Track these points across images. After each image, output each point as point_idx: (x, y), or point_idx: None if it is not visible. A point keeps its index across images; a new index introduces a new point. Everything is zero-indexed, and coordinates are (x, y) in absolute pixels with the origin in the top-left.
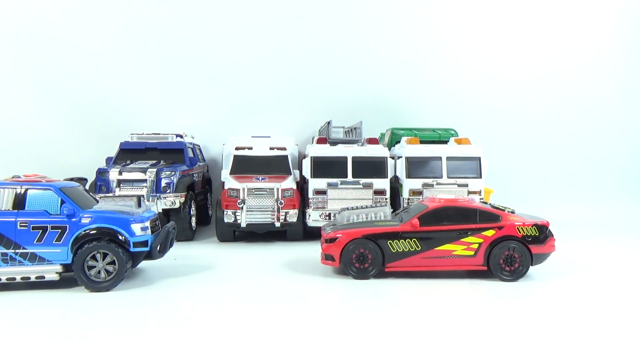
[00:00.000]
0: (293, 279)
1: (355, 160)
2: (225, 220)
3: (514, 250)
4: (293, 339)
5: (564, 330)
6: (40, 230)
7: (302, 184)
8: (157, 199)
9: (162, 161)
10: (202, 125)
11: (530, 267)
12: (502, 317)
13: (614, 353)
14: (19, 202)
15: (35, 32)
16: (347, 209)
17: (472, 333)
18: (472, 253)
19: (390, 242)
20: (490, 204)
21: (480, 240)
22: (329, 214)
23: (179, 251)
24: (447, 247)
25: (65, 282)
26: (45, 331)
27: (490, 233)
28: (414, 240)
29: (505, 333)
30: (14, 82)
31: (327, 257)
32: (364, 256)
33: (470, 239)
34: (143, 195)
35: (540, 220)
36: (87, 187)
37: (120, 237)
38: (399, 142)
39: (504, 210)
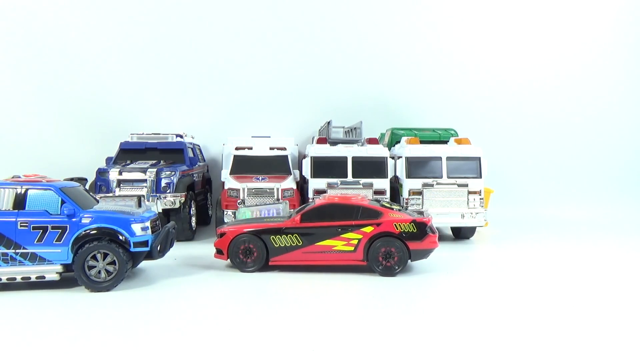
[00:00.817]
0: (293, 279)
1: (355, 160)
2: (225, 220)
3: (391, 246)
4: (293, 339)
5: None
6: (41, 230)
7: (302, 184)
8: (157, 199)
9: (162, 161)
10: (202, 125)
11: (410, 261)
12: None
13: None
14: (20, 202)
15: (35, 33)
16: (246, 206)
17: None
18: (352, 248)
19: (273, 238)
20: (381, 202)
21: (360, 237)
22: None
23: (179, 251)
24: (327, 242)
25: (65, 282)
26: (45, 331)
27: (369, 229)
28: (295, 236)
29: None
30: (14, 82)
31: (218, 251)
32: (249, 250)
33: (350, 235)
34: (143, 195)
35: (420, 217)
36: (87, 187)
37: (120, 237)
38: (399, 142)
39: (391, 208)
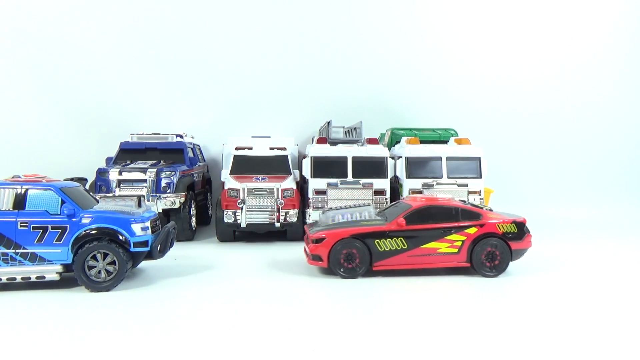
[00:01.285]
0: (293, 279)
1: (355, 160)
2: (225, 220)
3: (495, 247)
4: (293, 339)
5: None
6: (41, 230)
7: (302, 184)
8: (157, 199)
9: (162, 161)
10: (202, 125)
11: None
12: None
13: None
14: (20, 202)
15: (35, 33)
16: (331, 208)
17: (464, 329)
18: (456, 250)
19: (377, 241)
20: (469, 202)
21: (464, 238)
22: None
23: (179, 251)
24: (432, 245)
25: (65, 282)
26: (45, 331)
27: (472, 230)
28: (400, 239)
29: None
30: (14, 82)
31: (314, 258)
32: (351, 256)
33: (453, 236)
34: (143, 195)
35: (518, 217)
36: (87, 187)
37: (120, 237)
38: (399, 142)
39: (482, 208)
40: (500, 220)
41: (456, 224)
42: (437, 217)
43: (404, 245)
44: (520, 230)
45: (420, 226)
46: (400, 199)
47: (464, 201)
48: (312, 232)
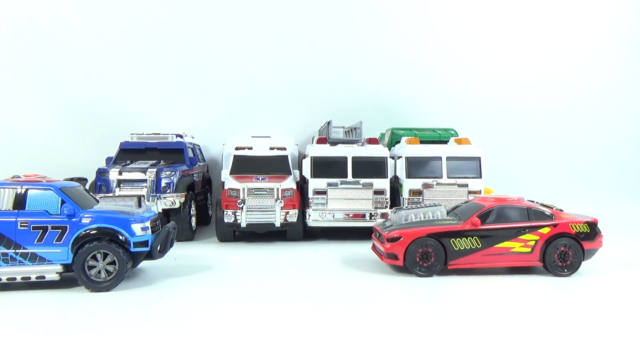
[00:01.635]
0: (293, 279)
1: (355, 160)
2: (225, 220)
3: (568, 247)
4: (293, 339)
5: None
6: (41, 230)
7: (302, 184)
8: (157, 199)
9: (162, 161)
10: (202, 125)
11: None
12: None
13: None
14: (20, 202)
15: (35, 32)
16: (402, 208)
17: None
18: (529, 250)
19: (453, 241)
20: (537, 202)
21: (537, 238)
22: (330, 214)
23: (179, 251)
24: (506, 244)
25: (65, 282)
26: (45, 331)
27: (545, 230)
28: (475, 238)
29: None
30: (14, 82)
31: (389, 256)
32: (427, 254)
33: (527, 236)
34: (143, 195)
35: (590, 218)
36: (87, 187)
37: (120, 237)
38: (399, 142)
39: (552, 208)
40: (573, 221)
41: (529, 224)
42: (510, 217)
43: (479, 245)
44: (592, 231)
45: (495, 226)
46: (469, 199)
47: (533, 201)
48: (386, 231)
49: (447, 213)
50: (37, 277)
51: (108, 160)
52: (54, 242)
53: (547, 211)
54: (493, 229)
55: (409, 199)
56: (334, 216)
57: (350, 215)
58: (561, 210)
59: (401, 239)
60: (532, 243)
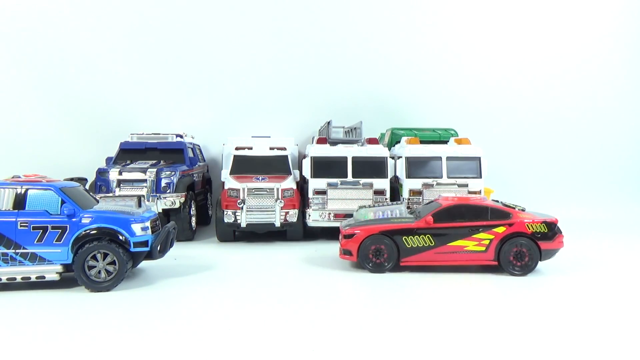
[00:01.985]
0: (293, 279)
1: (355, 160)
2: (225, 220)
3: (523, 247)
4: (293, 339)
5: (566, 324)
6: (41, 230)
7: (302, 184)
8: (157, 199)
9: (162, 161)
10: (202, 125)
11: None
12: (510, 310)
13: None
14: (20, 202)
15: (35, 33)
16: (365, 206)
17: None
18: (483, 249)
19: (405, 238)
20: (501, 202)
21: (492, 237)
22: (329, 214)
23: (179, 251)
24: (459, 242)
25: (65, 282)
26: (45, 331)
27: (501, 230)
28: (428, 236)
29: (511, 326)
30: (14, 82)
31: (345, 252)
32: (380, 251)
33: (481, 235)
34: (143, 195)
35: (549, 217)
36: (87, 187)
37: (120, 237)
38: (399, 142)
39: (514, 208)
40: (530, 220)
41: (484, 223)
42: (466, 216)
43: (432, 243)
44: (550, 231)
45: (448, 224)
46: (435, 198)
47: (497, 201)
48: (344, 228)
49: (411, 212)
50: (37, 277)
51: (108, 160)
52: (54, 242)
53: (505, 211)
54: (446, 227)
55: (408, 199)
56: (334, 216)
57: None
58: (523, 210)
59: (355, 235)
60: (487, 242)
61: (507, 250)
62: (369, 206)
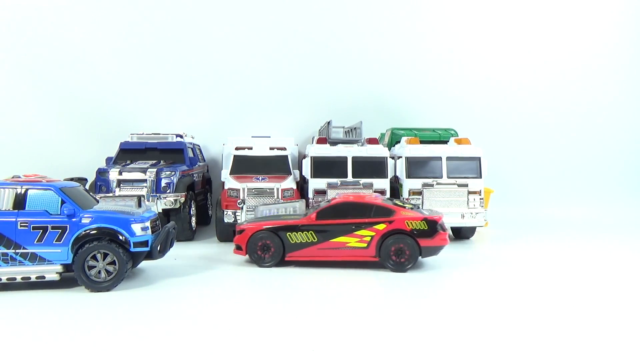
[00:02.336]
0: (293, 279)
1: (355, 160)
2: (225, 220)
3: (401, 243)
4: (293, 339)
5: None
6: (41, 230)
7: (302, 184)
8: (157, 199)
9: (162, 161)
10: (202, 125)
11: (420, 257)
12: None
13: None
14: (20, 202)
15: (35, 32)
16: (266, 204)
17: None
18: (365, 245)
19: (289, 234)
20: (394, 201)
21: (373, 234)
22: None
23: (179, 251)
24: (341, 239)
25: (65, 282)
26: (45, 331)
27: (381, 227)
28: (311, 233)
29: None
30: (14, 82)
31: (237, 247)
32: (267, 246)
33: (363, 232)
34: (143, 195)
35: (431, 215)
36: (87, 187)
37: (120, 237)
38: (399, 142)
39: (403, 207)
40: (410, 218)
41: (366, 220)
42: (349, 214)
43: (314, 239)
44: (431, 228)
45: (331, 221)
46: (333, 197)
47: (391, 199)
48: (238, 224)
49: (311, 208)
50: (37, 277)
51: (108, 160)
52: (54, 242)
53: (388, 208)
54: (328, 224)
55: (408, 199)
56: None
57: None
58: (413, 207)
59: (244, 231)
60: (368, 239)
61: (387, 246)
62: (268, 203)
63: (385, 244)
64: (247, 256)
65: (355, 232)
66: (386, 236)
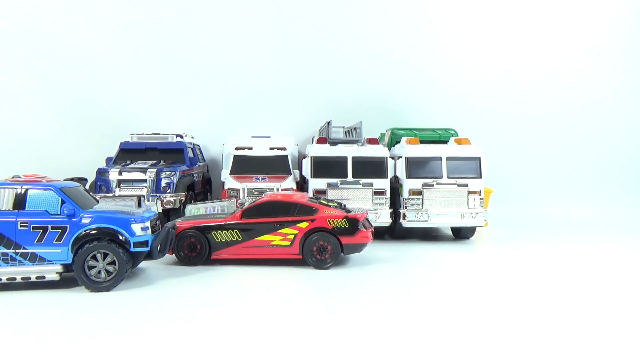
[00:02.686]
0: (293, 279)
1: (355, 160)
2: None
3: (323, 241)
4: (293, 339)
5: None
6: (41, 230)
7: (302, 184)
8: (157, 199)
9: (162, 161)
10: (202, 125)
11: (342, 255)
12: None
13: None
14: (20, 202)
15: (35, 32)
16: (198, 203)
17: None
18: (288, 243)
19: (215, 233)
20: (320, 200)
21: (296, 232)
22: None
23: None
24: (266, 237)
25: (65, 282)
26: (45, 331)
27: (304, 225)
28: (235, 231)
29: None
30: (14, 82)
31: None
32: (193, 245)
33: (286, 230)
34: (143, 195)
35: (352, 213)
36: (87, 187)
37: (120, 237)
38: (399, 142)
39: (328, 206)
40: (331, 216)
41: (290, 219)
42: (274, 212)
43: (239, 237)
44: (352, 226)
45: (254, 220)
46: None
47: (317, 199)
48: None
49: (238, 208)
50: (37, 277)
51: (108, 160)
52: (54, 242)
53: (311, 206)
54: (252, 222)
55: (408, 199)
56: None
57: None
58: (335, 206)
59: None
60: (292, 237)
61: (309, 244)
62: (198, 203)
63: (308, 241)
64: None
65: (279, 231)
66: (309, 234)
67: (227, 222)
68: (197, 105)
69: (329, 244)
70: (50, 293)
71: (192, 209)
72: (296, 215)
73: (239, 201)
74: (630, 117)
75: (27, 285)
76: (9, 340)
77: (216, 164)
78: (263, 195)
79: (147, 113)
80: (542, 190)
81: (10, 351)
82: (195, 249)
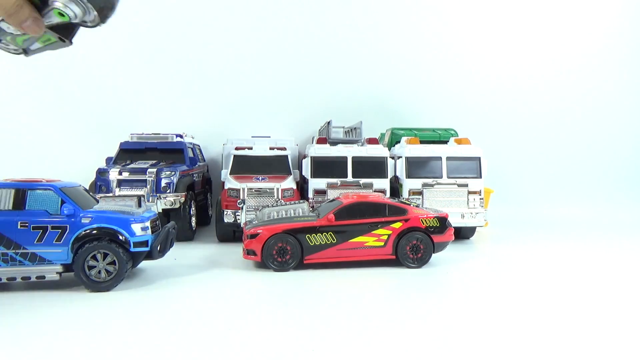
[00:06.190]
0: (293, 279)
1: (355, 160)
2: (225, 220)
3: (418, 240)
4: (293, 339)
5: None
6: (41, 230)
7: (302, 184)
8: (157, 199)
9: (162, 161)
10: (202, 125)
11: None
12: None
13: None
14: (19, 202)
15: None
16: (267, 206)
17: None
18: (382, 244)
19: (308, 236)
20: (398, 199)
21: (390, 232)
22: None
23: (179, 251)
24: (360, 239)
25: (65, 282)
26: (45, 331)
27: (398, 225)
28: (330, 234)
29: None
30: (14, 82)
31: (249, 252)
32: (284, 250)
33: (380, 231)
34: (143, 195)
35: (441, 212)
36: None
37: (120, 237)
38: (399, 142)
39: (409, 205)
40: (424, 216)
41: (383, 219)
42: (365, 213)
43: (334, 240)
44: (442, 225)
45: (349, 222)
46: (336, 197)
47: (394, 198)
48: (247, 228)
49: (313, 210)
50: (37, 277)
51: (108, 160)
52: (54, 242)
53: (401, 207)
54: (347, 224)
55: (408, 199)
56: None
57: None
58: (417, 206)
59: (258, 235)
60: (385, 237)
61: (404, 244)
62: (272, 205)
63: (402, 241)
64: (260, 261)
65: (373, 232)
66: (402, 234)
67: (321, 225)
68: (197, 105)
69: (422, 243)
70: (50, 293)
71: (270, 212)
72: (388, 216)
73: (238, 201)
74: (630, 117)
75: (27, 285)
76: (9, 340)
77: (216, 164)
78: (339, 196)
79: (147, 113)
80: (542, 190)
81: (10, 351)
82: (286, 254)
